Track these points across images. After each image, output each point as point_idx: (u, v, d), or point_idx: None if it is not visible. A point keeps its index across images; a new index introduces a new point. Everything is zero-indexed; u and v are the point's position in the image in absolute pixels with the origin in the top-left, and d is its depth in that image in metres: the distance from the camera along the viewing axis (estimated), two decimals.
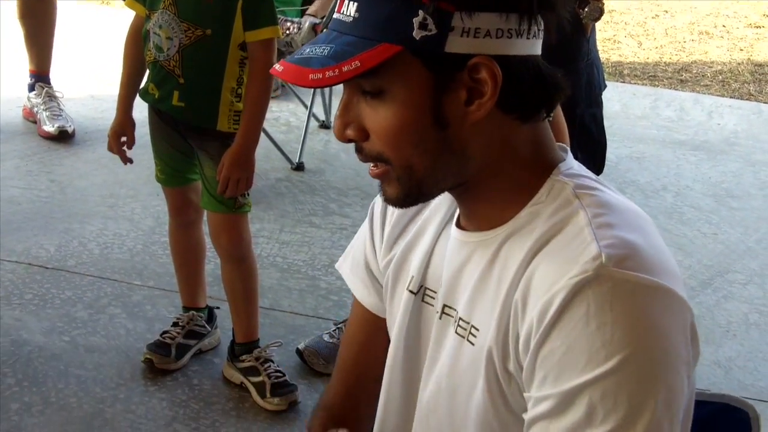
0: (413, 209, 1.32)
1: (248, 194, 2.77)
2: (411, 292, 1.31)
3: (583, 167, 1.23)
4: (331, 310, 3.33)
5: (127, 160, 2.85)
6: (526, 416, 1.12)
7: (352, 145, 1.19)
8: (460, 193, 1.22)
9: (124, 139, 2.81)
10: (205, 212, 2.87)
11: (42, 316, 3.16)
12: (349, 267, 1.46)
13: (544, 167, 1.18)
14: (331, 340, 3.04)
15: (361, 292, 1.43)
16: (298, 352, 3.03)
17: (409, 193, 1.18)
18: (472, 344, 1.19)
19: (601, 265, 1.06)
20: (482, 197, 1.20)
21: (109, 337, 3.08)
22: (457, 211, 1.26)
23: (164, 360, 2.91)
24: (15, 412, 2.69)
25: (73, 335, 3.07)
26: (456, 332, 1.22)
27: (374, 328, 1.42)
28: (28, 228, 3.71)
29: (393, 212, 1.37)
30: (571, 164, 1.20)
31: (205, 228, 2.96)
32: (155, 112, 2.78)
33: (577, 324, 1.06)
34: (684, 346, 1.09)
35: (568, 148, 1.25)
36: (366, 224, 1.43)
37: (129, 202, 3.96)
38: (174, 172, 2.86)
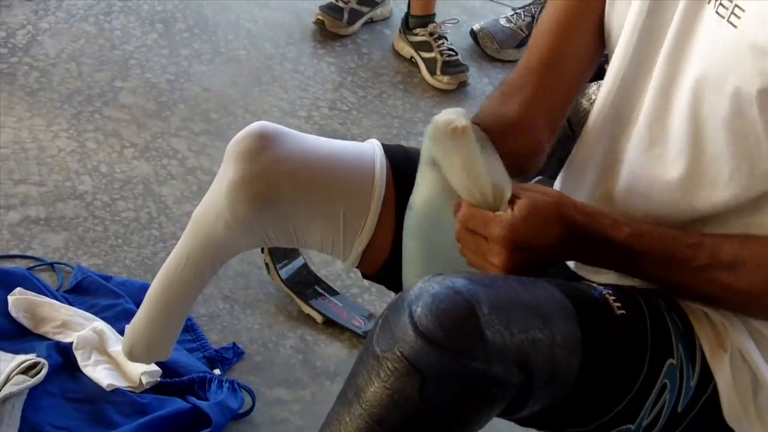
0: None
1: None
2: None
3: None
4: None
5: None
6: None
7: None
8: None
9: None
10: None
11: None
12: None
13: None
14: (507, 25, 2.89)
15: None
16: (473, 33, 2.90)
17: None
18: (734, 26, 1.05)
19: None
20: None
21: None
22: None
23: (336, 23, 2.82)
24: (185, 57, 2.67)
25: None
26: (716, 12, 1.08)
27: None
28: None
29: None
30: None
31: None
32: None
33: None
34: None
35: None
36: None
37: None
38: None
